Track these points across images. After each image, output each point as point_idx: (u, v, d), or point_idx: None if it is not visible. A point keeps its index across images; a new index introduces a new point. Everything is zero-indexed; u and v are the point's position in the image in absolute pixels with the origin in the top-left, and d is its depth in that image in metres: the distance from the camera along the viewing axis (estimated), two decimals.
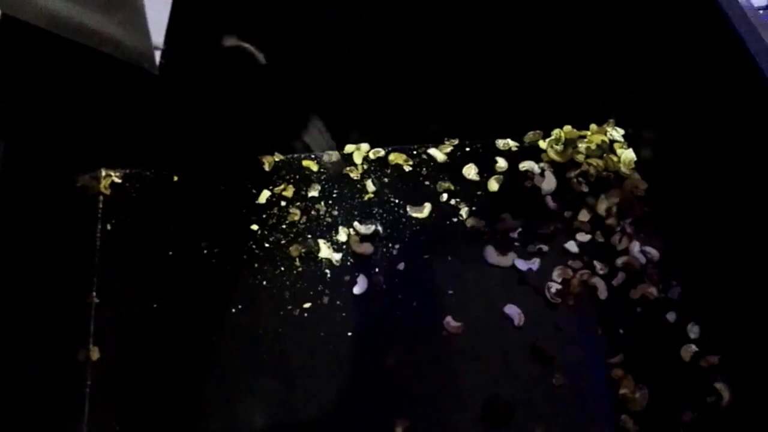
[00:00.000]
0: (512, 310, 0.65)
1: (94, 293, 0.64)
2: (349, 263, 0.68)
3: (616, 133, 0.77)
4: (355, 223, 0.70)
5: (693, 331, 0.65)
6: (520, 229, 0.70)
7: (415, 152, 0.76)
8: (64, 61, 0.57)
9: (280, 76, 0.67)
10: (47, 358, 0.54)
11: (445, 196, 0.73)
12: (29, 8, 0.43)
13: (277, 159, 0.74)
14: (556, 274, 0.68)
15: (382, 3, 0.63)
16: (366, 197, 0.72)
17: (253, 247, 0.68)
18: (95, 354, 0.60)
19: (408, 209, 0.71)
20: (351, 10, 0.63)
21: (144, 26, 0.43)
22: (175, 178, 0.72)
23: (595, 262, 0.69)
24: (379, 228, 0.70)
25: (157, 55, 0.46)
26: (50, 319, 0.56)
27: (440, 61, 0.69)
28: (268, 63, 0.65)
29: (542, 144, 0.77)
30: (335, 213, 0.70)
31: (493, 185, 0.74)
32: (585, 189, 0.73)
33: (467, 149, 0.77)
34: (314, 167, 0.74)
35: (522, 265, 0.68)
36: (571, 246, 0.70)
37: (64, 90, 0.61)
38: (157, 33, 0.45)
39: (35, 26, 0.44)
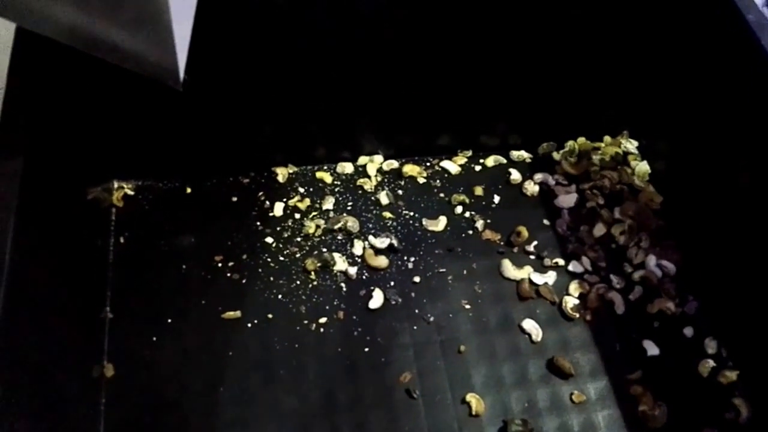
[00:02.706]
0: (529, 324, 0.65)
1: (108, 308, 0.63)
2: (364, 277, 0.67)
3: (630, 145, 0.77)
4: (370, 237, 0.69)
5: (711, 346, 0.64)
6: (536, 242, 0.70)
7: (428, 164, 0.75)
8: (76, 73, 0.56)
9: (294, 88, 0.66)
10: (61, 375, 0.53)
11: (459, 209, 0.72)
12: (52, 25, 0.42)
13: (291, 171, 0.73)
14: (572, 288, 0.67)
15: (395, 16, 0.63)
16: (380, 210, 0.72)
17: (269, 260, 0.67)
18: (110, 371, 0.60)
19: (423, 222, 0.71)
20: (365, 24, 0.63)
21: (171, 43, 0.42)
22: (189, 190, 0.71)
23: (612, 276, 0.68)
24: (394, 241, 0.69)
25: (181, 71, 0.45)
26: (64, 335, 0.55)
27: (454, 73, 0.68)
28: (283, 76, 0.65)
29: (556, 156, 0.77)
30: (350, 225, 0.70)
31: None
32: (600, 201, 0.73)
33: (481, 161, 0.76)
34: (328, 179, 0.73)
35: (538, 278, 0.68)
36: (587, 260, 0.69)
37: (76, 101, 0.60)
38: (181, 50, 0.44)
39: (50, 39, 0.43)
